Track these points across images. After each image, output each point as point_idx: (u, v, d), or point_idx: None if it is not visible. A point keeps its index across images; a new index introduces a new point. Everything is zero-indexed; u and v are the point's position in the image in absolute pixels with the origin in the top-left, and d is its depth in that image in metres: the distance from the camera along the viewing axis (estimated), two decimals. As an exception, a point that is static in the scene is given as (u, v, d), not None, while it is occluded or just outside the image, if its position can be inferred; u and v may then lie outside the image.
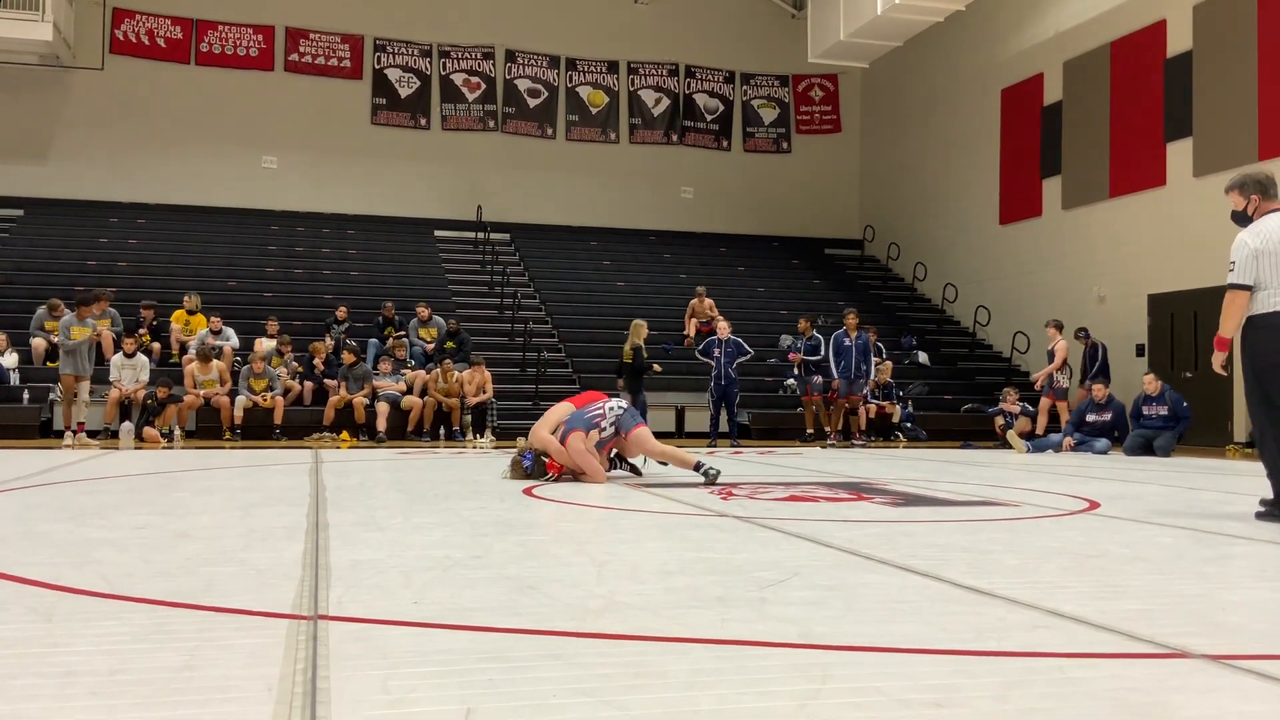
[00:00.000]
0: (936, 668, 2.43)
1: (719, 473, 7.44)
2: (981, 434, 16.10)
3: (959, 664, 2.47)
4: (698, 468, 7.41)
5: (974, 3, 19.44)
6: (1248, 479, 9.05)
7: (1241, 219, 5.82)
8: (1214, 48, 16.11)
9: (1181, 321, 16.50)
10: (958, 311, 22.07)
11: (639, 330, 15.06)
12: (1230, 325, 5.65)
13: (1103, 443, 13.82)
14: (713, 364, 15.40)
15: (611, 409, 7.54)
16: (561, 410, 7.77)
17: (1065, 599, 3.24)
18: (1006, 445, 14.62)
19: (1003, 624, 2.90)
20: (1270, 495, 5.57)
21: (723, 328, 15.61)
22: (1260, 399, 5.57)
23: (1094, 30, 18.50)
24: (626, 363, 14.93)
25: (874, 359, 17.21)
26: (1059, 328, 15.66)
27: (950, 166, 22.50)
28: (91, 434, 13.62)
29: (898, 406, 16.76)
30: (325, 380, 15.55)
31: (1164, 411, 13.53)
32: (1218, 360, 5.82)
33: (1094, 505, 6.31)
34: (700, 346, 16.12)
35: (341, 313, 17.26)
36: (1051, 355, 15.50)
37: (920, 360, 19.54)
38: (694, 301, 19.04)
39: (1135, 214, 17.51)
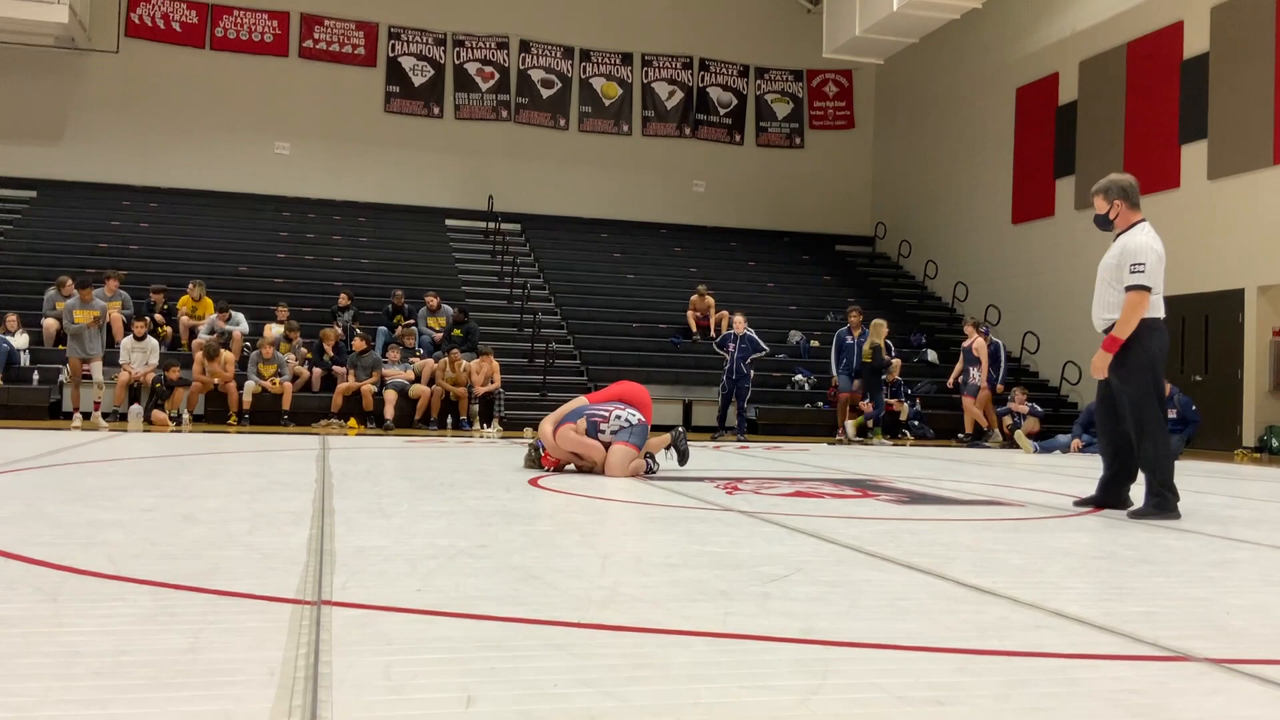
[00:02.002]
0: (938, 665, 2.43)
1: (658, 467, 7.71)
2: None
3: (961, 662, 2.47)
4: (649, 471, 7.53)
5: (990, 1, 19.36)
6: (1256, 483, 9.03)
7: (1104, 223, 5.98)
8: (1231, 50, 16.03)
9: (1192, 325, 16.44)
10: (968, 310, 22.00)
11: (879, 329, 15.32)
12: (1133, 327, 5.57)
13: (1111, 445, 13.76)
14: (726, 357, 15.46)
15: (619, 416, 7.44)
16: (574, 403, 7.78)
17: (1069, 600, 3.24)
18: (1014, 445, 14.59)
19: (1006, 623, 2.90)
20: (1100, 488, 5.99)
21: (738, 322, 15.65)
22: (1157, 398, 5.64)
23: (1111, 30, 18.42)
24: (866, 362, 15.32)
25: (885, 357, 17.24)
26: (977, 326, 15.87)
27: (963, 164, 22.43)
28: (102, 416, 13.66)
29: (905, 404, 16.74)
30: (334, 367, 15.58)
31: (1173, 415, 13.46)
32: (1104, 363, 5.67)
33: (1100, 507, 6.29)
34: (717, 340, 16.15)
35: (343, 299, 17.26)
36: (968, 353, 15.64)
37: (929, 358, 19.51)
38: (694, 298, 19.08)
39: (1148, 216, 17.24)
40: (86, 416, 13.41)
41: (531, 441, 8.07)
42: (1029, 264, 20.21)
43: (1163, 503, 5.64)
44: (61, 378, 14.51)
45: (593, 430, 7.42)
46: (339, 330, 16.23)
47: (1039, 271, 19.86)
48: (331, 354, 15.74)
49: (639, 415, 7.52)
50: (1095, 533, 5.08)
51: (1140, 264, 5.57)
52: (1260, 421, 15.29)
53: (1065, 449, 13.91)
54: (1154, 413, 5.62)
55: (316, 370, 15.57)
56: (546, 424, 7.67)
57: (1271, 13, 15.42)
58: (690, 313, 19.00)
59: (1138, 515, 5.67)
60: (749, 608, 2.99)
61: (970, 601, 3.20)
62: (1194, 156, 16.57)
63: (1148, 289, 5.56)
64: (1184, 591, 3.54)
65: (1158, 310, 5.67)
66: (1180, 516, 5.63)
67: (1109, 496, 5.97)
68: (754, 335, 15.56)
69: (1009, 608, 3.11)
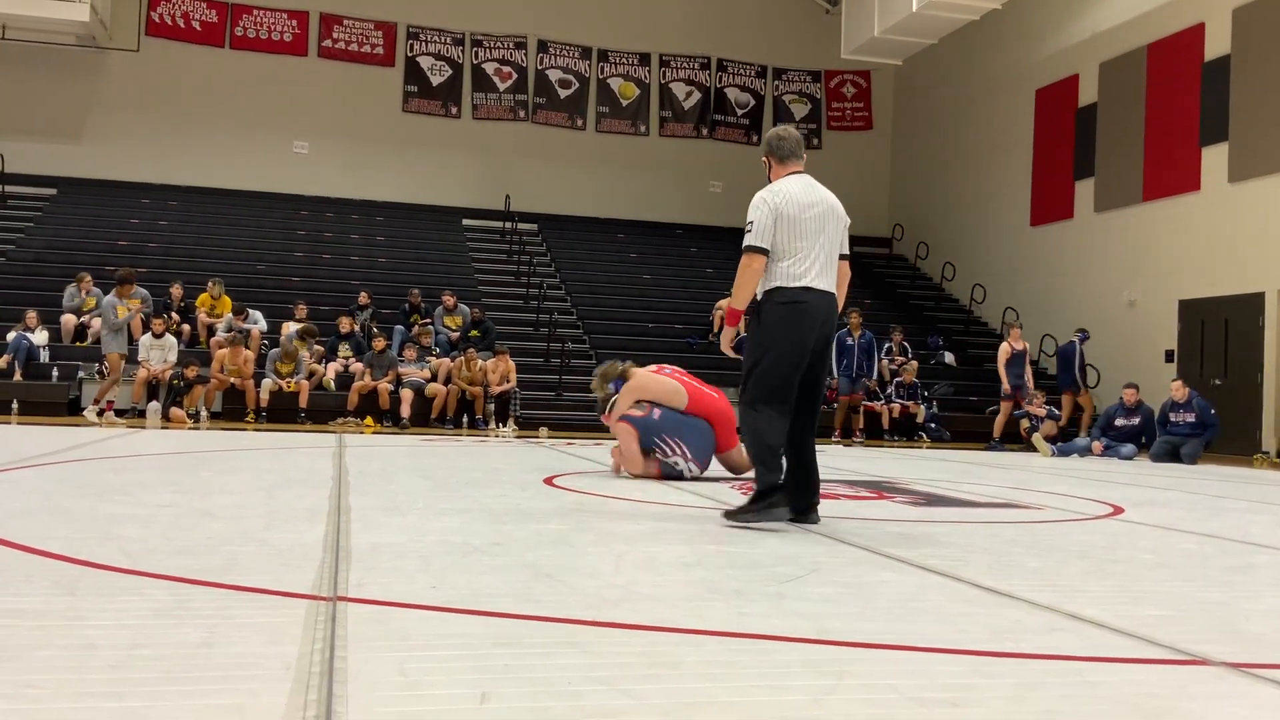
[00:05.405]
0: (952, 667, 2.42)
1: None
2: (1006, 436, 16.00)
3: (975, 664, 2.46)
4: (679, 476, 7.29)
5: (1010, 1, 19.27)
6: (1275, 488, 8.96)
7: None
8: (1253, 52, 15.91)
9: (1212, 328, 16.33)
10: (986, 313, 21.94)
11: None
12: (746, 295, 4.86)
13: (1128, 448, 13.71)
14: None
15: (678, 455, 7.16)
16: (664, 389, 7.34)
17: (1086, 602, 3.22)
18: (1032, 448, 14.53)
19: (1021, 626, 2.89)
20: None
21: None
22: (771, 380, 4.89)
23: (1131, 32, 18.31)
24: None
25: (899, 358, 17.21)
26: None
27: (982, 166, 22.35)
28: (119, 413, 13.76)
29: (922, 407, 16.68)
30: (349, 365, 15.62)
31: (1191, 419, 13.39)
32: (727, 339, 5.14)
33: (1118, 510, 6.27)
34: (735, 342, 16.08)
35: (363, 298, 17.32)
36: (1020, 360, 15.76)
37: (946, 360, 19.44)
38: (723, 300, 19.02)
39: (1168, 218, 17.34)
40: (100, 414, 13.46)
41: (608, 391, 7.61)
42: (1048, 266, 20.11)
43: (757, 501, 4.85)
44: (82, 373, 14.64)
45: (650, 447, 7.18)
46: (354, 321, 16.31)
47: (1058, 274, 19.76)
48: (351, 353, 15.77)
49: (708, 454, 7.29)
50: (1113, 536, 5.05)
51: (749, 222, 4.85)
52: (1280, 426, 15.18)
53: (1084, 452, 13.84)
54: (761, 406, 4.87)
55: (333, 365, 15.62)
56: (627, 398, 7.32)
57: (1294, 14, 15.31)
58: (716, 312, 18.94)
59: (730, 514, 4.91)
60: (763, 608, 2.98)
61: (986, 604, 3.19)
62: (1215, 159, 16.45)
63: (758, 251, 4.78)
64: (1202, 595, 3.52)
65: (792, 279, 4.79)
66: (779, 520, 4.83)
67: (798, 508, 5.02)
68: None
69: (1025, 610, 3.09)
